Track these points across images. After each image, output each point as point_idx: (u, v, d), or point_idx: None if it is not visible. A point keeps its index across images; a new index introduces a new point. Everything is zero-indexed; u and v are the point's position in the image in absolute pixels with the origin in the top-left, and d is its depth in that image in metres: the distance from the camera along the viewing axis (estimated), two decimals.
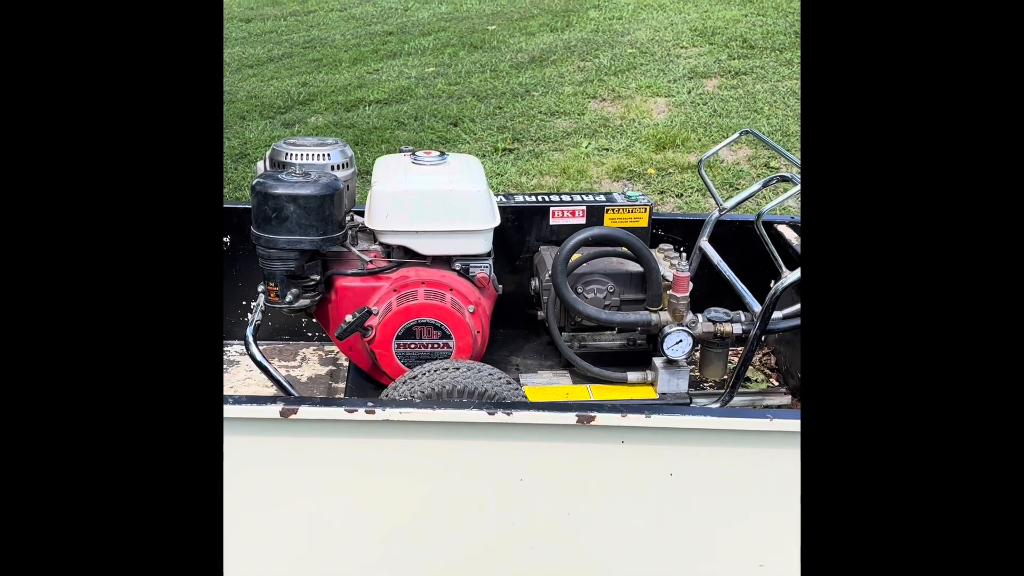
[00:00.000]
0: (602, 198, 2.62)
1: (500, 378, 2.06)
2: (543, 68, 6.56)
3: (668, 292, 2.32)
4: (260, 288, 2.30)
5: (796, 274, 2.13)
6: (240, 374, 2.76)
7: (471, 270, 2.30)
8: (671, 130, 5.16)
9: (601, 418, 1.74)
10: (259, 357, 2.20)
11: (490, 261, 2.34)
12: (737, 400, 2.43)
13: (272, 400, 1.76)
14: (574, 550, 1.85)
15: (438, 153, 2.40)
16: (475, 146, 5.18)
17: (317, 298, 2.29)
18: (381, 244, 2.33)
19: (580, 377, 2.42)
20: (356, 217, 2.41)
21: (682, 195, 4.48)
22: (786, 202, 2.43)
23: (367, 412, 1.73)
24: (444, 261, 2.31)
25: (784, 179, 2.59)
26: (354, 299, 2.25)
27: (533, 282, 2.56)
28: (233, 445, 1.70)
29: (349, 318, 2.17)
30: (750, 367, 2.75)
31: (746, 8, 7.56)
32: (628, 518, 1.83)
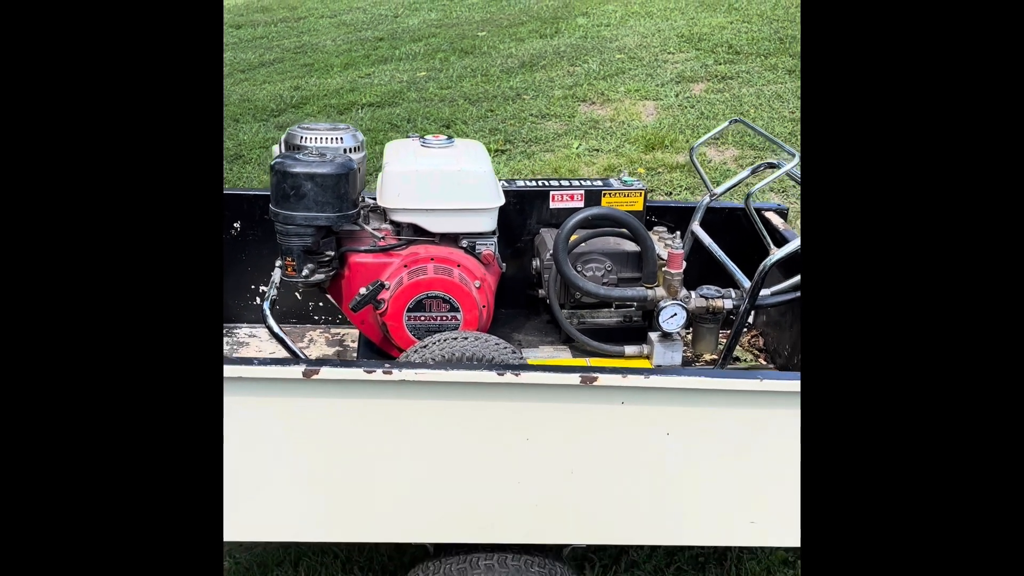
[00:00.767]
0: (599, 183, 2.74)
1: (505, 347, 2.17)
2: (533, 73, 6.68)
3: (663, 269, 2.45)
4: (278, 263, 2.40)
5: (783, 251, 2.26)
6: (249, 355, 2.86)
7: (477, 247, 2.42)
8: (660, 132, 5.29)
9: (603, 379, 1.85)
10: (275, 328, 2.30)
11: (495, 239, 2.46)
12: None
13: (295, 362, 1.87)
14: (575, 507, 1.97)
15: (445, 137, 2.52)
16: None
17: (331, 273, 2.40)
18: (392, 223, 2.44)
19: (579, 351, 2.54)
20: (367, 199, 2.52)
21: (671, 193, 4.61)
22: (772, 184, 2.57)
23: (384, 373, 1.83)
24: (451, 239, 2.43)
25: (772, 166, 2.72)
26: (367, 274, 2.36)
27: (534, 262, 2.68)
28: (258, 404, 1.81)
29: (363, 291, 2.29)
30: (740, 348, 2.88)
31: (732, 15, 7.72)
32: (627, 476, 1.95)
